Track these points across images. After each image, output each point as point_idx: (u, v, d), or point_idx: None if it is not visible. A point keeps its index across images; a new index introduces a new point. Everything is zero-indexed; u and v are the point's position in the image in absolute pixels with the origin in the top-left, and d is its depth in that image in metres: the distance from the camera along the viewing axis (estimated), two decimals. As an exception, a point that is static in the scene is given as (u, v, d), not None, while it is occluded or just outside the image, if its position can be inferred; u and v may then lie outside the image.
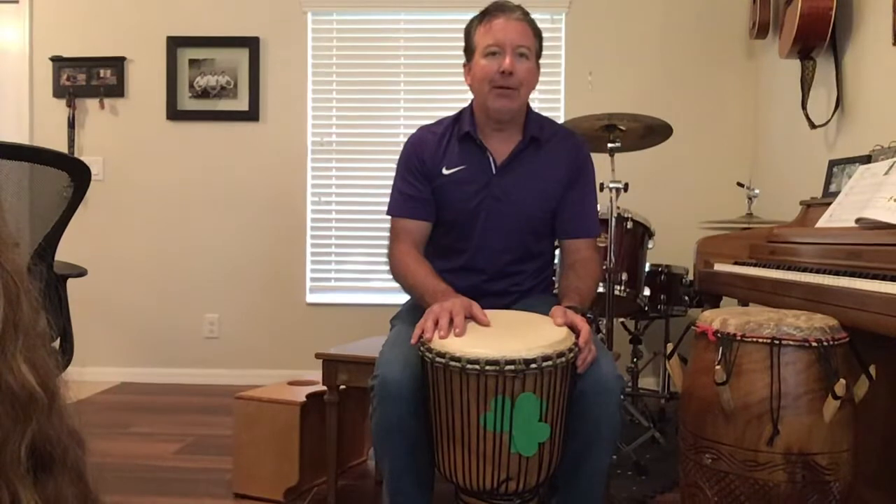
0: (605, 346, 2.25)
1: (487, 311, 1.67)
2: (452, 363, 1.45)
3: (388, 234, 1.96)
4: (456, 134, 1.93)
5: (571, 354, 1.49)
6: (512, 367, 1.41)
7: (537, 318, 1.68)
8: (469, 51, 1.91)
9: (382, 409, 1.67)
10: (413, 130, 4.19)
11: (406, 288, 1.87)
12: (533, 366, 1.42)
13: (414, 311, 1.83)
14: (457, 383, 1.46)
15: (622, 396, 1.71)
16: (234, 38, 4.02)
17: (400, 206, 1.94)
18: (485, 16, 1.87)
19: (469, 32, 1.91)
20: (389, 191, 1.97)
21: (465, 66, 1.94)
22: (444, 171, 1.91)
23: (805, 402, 1.46)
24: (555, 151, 1.92)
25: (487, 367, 1.42)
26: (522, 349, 1.44)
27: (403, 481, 1.72)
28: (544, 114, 2.04)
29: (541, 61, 1.92)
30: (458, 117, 1.96)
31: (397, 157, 1.99)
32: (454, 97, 1.95)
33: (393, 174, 1.98)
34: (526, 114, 1.93)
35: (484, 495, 1.55)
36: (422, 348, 1.53)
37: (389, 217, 1.97)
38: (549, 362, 1.44)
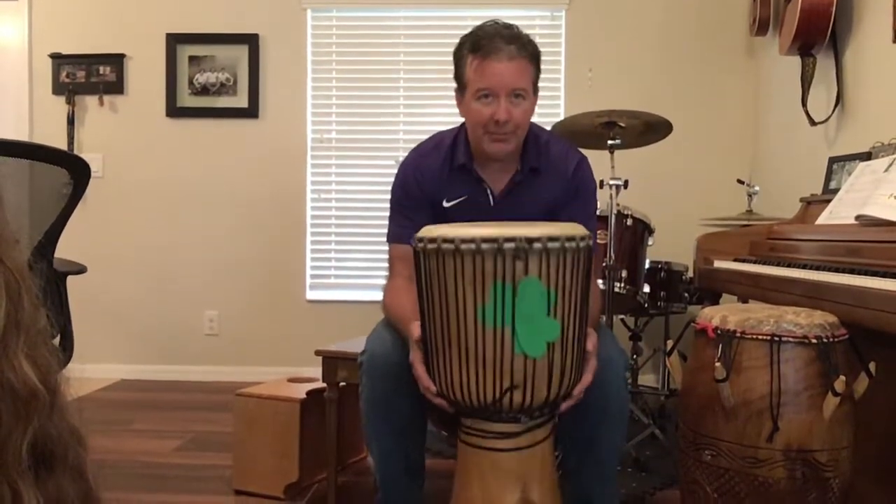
0: (605, 326, 2.25)
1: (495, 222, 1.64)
2: (445, 245, 1.31)
3: (386, 233, 1.94)
4: (452, 164, 1.84)
5: (584, 242, 1.35)
6: (512, 244, 1.27)
7: (547, 222, 1.59)
8: (460, 82, 1.77)
9: (370, 384, 1.68)
10: (413, 127, 4.19)
11: (393, 320, 1.77)
12: (537, 244, 1.27)
13: None
14: (450, 270, 1.31)
15: (627, 373, 1.68)
16: (234, 34, 4.01)
17: (399, 233, 1.86)
18: (477, 50, 1.70)
19: (459, 62, 1.75)
20: (389, 187, 1.94)
21: (456, 93, 1.81)
22: (445, 204, 1.84)
23: (805, 399, 1.46)
24: (553, 177, 1.84)
25: (484, 246, 1.28)
26: (524, 229, 1.31)
27: (392, 463, 1.73)
28: (544, 112, 2.01)
29: (541, 58, 1.83)
30: (453, 144, 1.86)
31: (397, 154, 1.98)
32: (453, 94, 1.90)
33: (392, 173, 1.94)
34: (524, 140, 1.82)
35: (486, 412, 1.38)
36: (414, 242, 1.42)
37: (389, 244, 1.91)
38: (556, 243, 1.29)
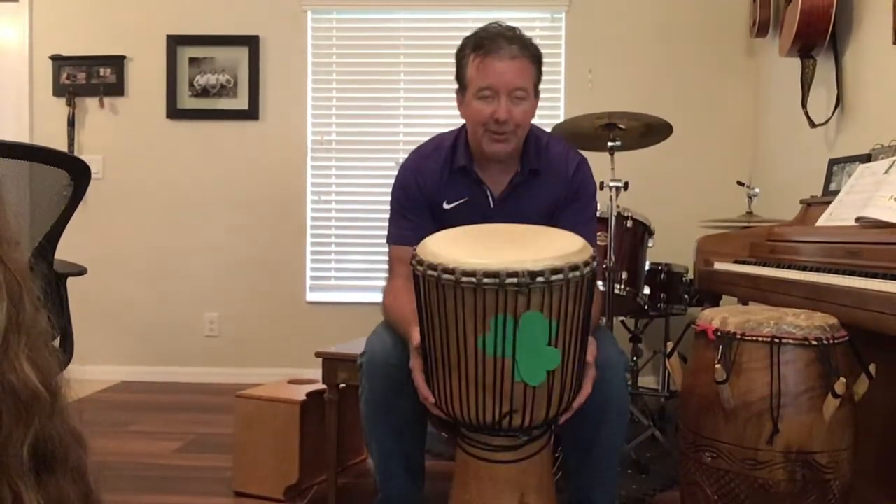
0: (605, 328, 2.25)
1: (494, 225, 1.63)
2: (445, 276, 1.27)
3: (386, 232, 1.94)
4: (452, 165, 1.85)
5: (588, 269, 1.31)
6: (514, 280, 1.22)
7: (549, 229, 1.56)
8: (461, 82, 1.78)
9: (370, 385, 1.69)
10: (413, 129, 4.19)
11: (393, 322, 1.77)
12: (540, 279, 1.23)
13: None
14: (451, 300, 1.28)
15: (627, 374, 1.68)
16: (234, 36, 4.02)
17: (399, 234, 1.86)
18: (478, 49, 1.71)
19: (461, 61, 1.77)
20: (389, 189, 1.94)
21: (457, 93, 1.82)
22: (445, 206, 1.85)
23: (805, 401, 1.46)
24: (552, 179, 1.84)
25: (485, 281, 1.23)
26: (528, 260, 1.25)
27: (391, 464, 1.73)
28: (544, 114, 2.00)
29: (542, 64, 1.83)
30: (454, 145, 1.86)
31: (397, 155, 1.98)
32: (453, 96, 1.90)
33: (393, 175, 1.94)
34: (524, 142, 1.82)
35: (485, 430, 1.39)
36: (413, 261, 1.38)
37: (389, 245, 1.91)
38: (560, 276, 1.25)
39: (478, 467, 1.46)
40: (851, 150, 2.55)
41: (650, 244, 2.92)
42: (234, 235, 4.07)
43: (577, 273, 1.28)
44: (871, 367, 1.52)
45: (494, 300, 1.25)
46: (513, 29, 1.74)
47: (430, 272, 1.31)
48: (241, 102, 4.04)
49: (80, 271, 2.06)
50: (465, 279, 1.25)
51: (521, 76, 1.71)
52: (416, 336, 1.48)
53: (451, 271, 1.27)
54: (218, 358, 4.05)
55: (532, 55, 1.74)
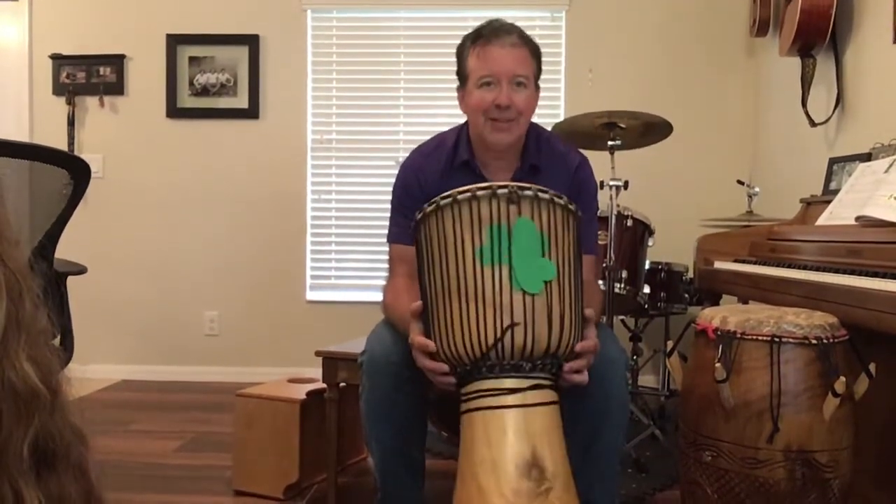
0: (606, 325, 2.24)
1: None
2: (444, 201, 1.42)
3: (387, 233, 1.94)
4: (454, 162, 1.84)
5: (572, 206, 1.46)
6: (505, 190, 1.39)
7: None
8: (462, 76, 1.79)
9: (370, 385, 1.68)
10: (413, 128, 4.19)
11: (393, 320, 1.76)
12: (527, 192, 1.40)
13: None
14: (448, 220, 1.41)
15: (627, 373, 1.67)
16: (234, 35, 4.02)
17: (399, 233, 1.85)
18: (478, 39, 1.74)
19: (461, 56, 1.79)
20: (389, 188, 1.94)
21: (458, 90, 1.83)
22: None
23: (805, 400, 1.47)
24: (554, 176, 1.83)
25: (479, 193, 1.39)
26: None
27: (392, 463, 1.73)
28: (544, 113, 2.00)
29: (542, 59, 1.84)
30: (455, 143, 1.86)
31: (397, 154, 1.98)
32: (453, 95, 1.90)
33: (393, 173, 1.94)
34: (525, 137, 1.83)
35: (488, 361, 1.38)
36: (415, 219, 1.49)
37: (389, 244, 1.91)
38: (546, 195, 1.42)
39: (485, 422, 1.39)
40: (851, 149, 2.55)
41: (650, 243, 2.92)
42: (234, 234, 4.07)
43: (562, 201, 1.44)
44: (872, 367, 1.52)
45: (488, 210, 1.39)
46: (512, 24, 1.77)
47: (429, 207, 1.44)
48: (241, 101, 4.04)
49: (81, 270, 2.06)
50: (461, 196, 1.41)
51: (522, 64, 1.73)
52: (415, 305, 1.50)
53: (449, 195, 1.42)
54: (218, 357, 4.05)
55: (531, 48, 1.76)
